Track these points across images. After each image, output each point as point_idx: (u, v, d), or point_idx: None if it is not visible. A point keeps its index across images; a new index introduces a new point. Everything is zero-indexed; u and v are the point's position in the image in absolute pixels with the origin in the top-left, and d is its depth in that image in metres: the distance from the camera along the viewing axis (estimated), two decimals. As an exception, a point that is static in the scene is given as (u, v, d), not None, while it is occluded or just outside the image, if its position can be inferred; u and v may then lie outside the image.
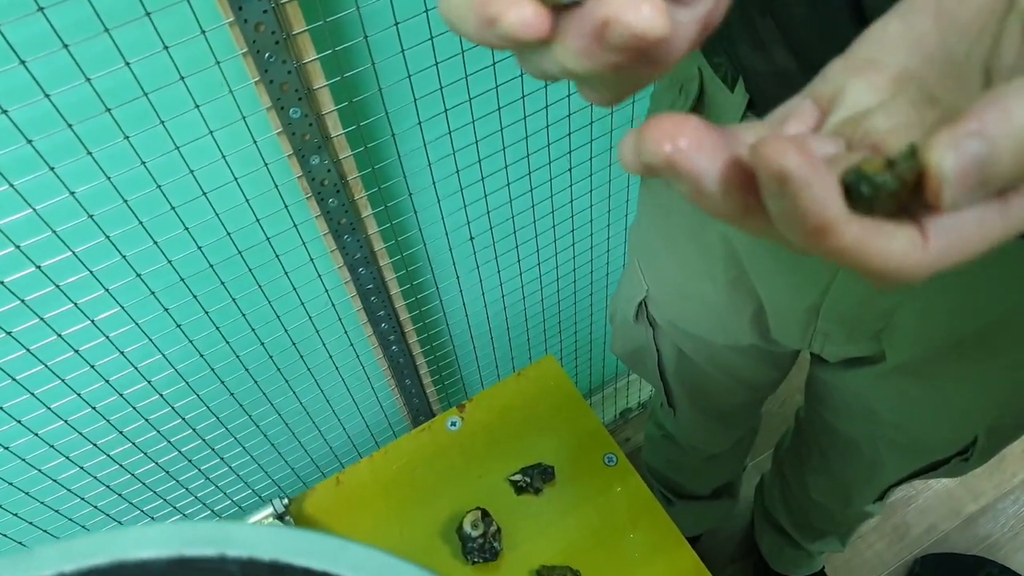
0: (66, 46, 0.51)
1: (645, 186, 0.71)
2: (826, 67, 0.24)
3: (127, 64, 0.54)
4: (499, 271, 0.99)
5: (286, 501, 0.76)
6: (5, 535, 0.86)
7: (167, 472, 0.93)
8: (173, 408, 0.85)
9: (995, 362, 0.55)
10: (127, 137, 0.59)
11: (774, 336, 0.66)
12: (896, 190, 0.19)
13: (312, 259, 0.80)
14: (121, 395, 0.79)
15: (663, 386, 0.86)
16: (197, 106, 0.60)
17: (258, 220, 0.72)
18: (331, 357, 0.95)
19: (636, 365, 0.88)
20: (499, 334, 1.13)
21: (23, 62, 0.50)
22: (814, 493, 0.97)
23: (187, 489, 0.98)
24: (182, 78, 0.57)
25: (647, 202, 0.71)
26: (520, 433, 0.82)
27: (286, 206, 0.73)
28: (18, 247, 0.61)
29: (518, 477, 0.80)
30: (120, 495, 0.91)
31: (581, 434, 0.82)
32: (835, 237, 0.19)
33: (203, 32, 0.55)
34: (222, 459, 0.97)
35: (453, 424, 0.83)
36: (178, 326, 0.77)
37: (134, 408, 0.81)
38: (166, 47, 0.55)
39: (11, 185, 0.57)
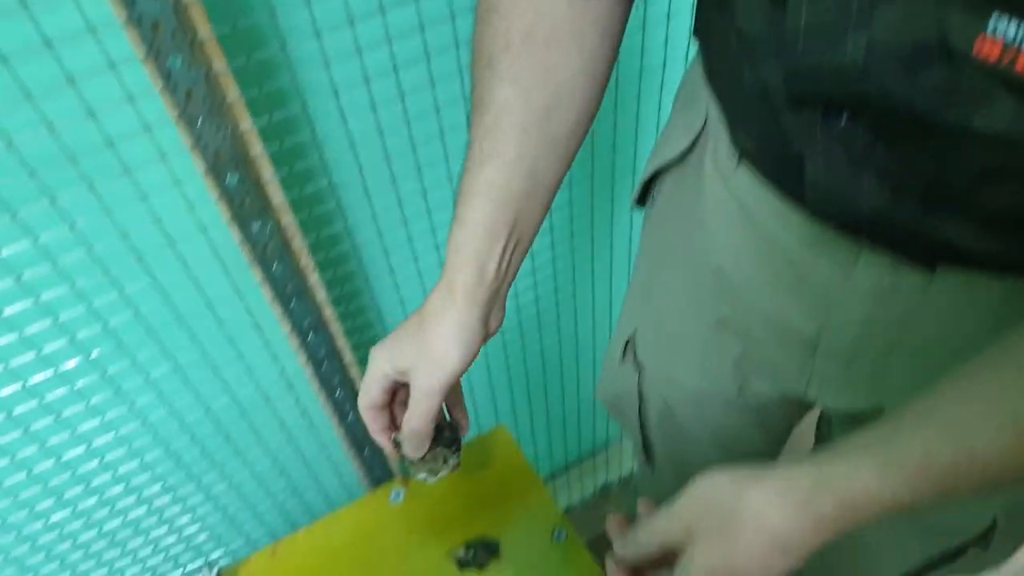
0: None
1: (646, 216, 0.69)
2: None
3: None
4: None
5: (217, 571, 0.74)
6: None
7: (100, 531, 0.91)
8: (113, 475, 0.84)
9: None
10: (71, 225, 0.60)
11: (764, 385, 0.64)
12: None
13: (260, 327, 0.80)
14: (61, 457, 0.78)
15: (642, 438, 0.82)
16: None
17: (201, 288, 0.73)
18: (284, 426, 0.93)
19: (618, 412, 0.85)
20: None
21: None
22: None
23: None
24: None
25: (645, 233, 0.70)
26: (465, 507, 0.80)
27: (228, 272, 0.73)
28: None
29: (461, 552, 0.77)
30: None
31: (530, 509, 0.80)
32: None
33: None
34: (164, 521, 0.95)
35: (396, 496, 0.81)
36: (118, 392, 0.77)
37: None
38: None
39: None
